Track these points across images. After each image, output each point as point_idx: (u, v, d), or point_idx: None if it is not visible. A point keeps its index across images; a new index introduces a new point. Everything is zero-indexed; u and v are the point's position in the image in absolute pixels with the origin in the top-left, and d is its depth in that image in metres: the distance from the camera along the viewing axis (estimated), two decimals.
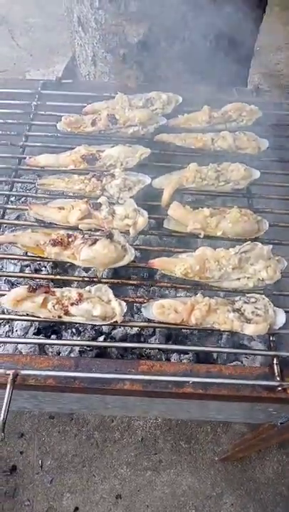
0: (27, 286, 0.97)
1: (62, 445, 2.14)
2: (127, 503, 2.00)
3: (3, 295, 1.01)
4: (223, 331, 0.96)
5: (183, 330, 1.31)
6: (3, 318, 1.24)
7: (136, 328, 1.32)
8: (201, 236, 1.08)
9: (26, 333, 1.39)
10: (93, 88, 1.43)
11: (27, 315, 1.00)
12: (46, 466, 2.09)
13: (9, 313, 1.20)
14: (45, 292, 0.97)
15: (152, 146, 1.24)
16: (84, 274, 1.44)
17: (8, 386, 0.87)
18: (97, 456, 2.12)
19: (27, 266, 1.52)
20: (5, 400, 0.86)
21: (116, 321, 0.96)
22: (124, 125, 1.25)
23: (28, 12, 3.63)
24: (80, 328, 1.35)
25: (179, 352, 1.20)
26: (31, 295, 0.97)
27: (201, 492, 2.05)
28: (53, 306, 0.95)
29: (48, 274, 1.45)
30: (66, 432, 2.17)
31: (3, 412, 0.85)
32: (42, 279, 1.15)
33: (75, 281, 1.10)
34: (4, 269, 1.51)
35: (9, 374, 0.89)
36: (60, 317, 0.96)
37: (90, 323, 0.96)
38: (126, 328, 1.30)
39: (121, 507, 2.00)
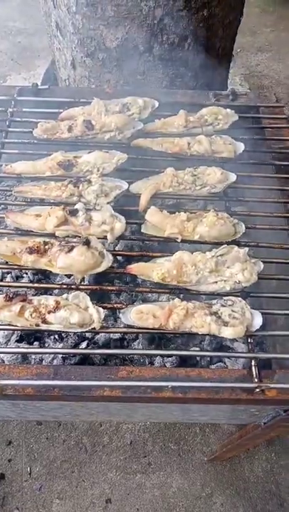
0: (3, 295, 0.97)
1: (51, 451, 2.13)
2: (117, 507, 2.00)
3: None
4: (202, 335, 0.97)
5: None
6: None
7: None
8: (179, 240, 1.08)
9: (8, 340, 1.38)
10: (70, 94, 1.42)
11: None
12: (35, 473, 2.07)
13: None
14: (22, 301, 0.97)
15: (129, 151, 1.24)
16: (66, 280, 1.43)
17: None
18: (86, 461, 2.11)
19: (8, 273, 1.51)
20: None
21: (94, 328, 0.96)
22: (101, 131, 1.25)
23: (8, 15, 3.60)
24: (63, 334, 1.35)
25: (162, 355, 1.20)
26: (8, 304, 0.96)
27: (190, 493, 2.05)
28: (30, 315, 0.95)
29: (30, 281, 1.45)
30: (54, 437, 2.16)
31: None
32: (21, 287, 1.15)
33: (54, 288, 1.10)
34: None
35: None
36: (37, 325, 0.95)
37: (68, 330, 0.96)
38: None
39: (111, 511, 1.99)
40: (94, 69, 2.00)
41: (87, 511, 1.99)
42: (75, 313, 0.94)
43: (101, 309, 0.96)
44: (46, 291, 1.35)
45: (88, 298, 0.98)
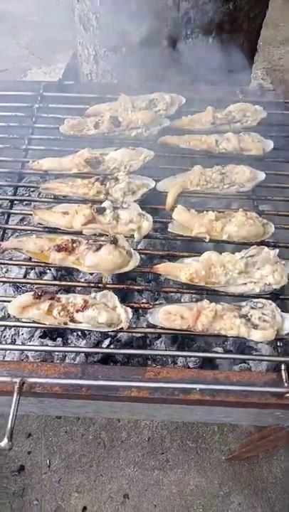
0: (32, 293, 0.97)
1: (70, 445, 2.15)
2: (134, 503, 2.01)
3: (9, 301, 1.01)
4: (230, 337, 0.95)
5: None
6: (9, 326, 1.23)
7: None
8: (207, 240, 1.06)
9: (32, 336, 1.39)
10: (95, 89, 1.41)
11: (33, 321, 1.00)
12: (54, 465, 2.10)
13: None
14: (51, 299, 0.97)
15: (155, 148, 1.23)
16: (89, 277, 1.43)
17: (15, 394, 0.87)
18: (105, 456, 2.12)
19: (32, 269, 1.51)
20: (11, 409, 0.86)
21: (121, 328, 0.95)
22: (128, 127, 1.23)
23: (28, 9, 3.60)
24: (86, 332, 1.35)
25: (190, 357, 1.19)
26: (36, 302, 0.97)
27: (208, 491, 2.05)
28: (59, 313, 0.95)
29: (54, 278, 1.45)
30: (73, 431, 2.18)
31: (10, 420, 0.85)
32: (48, 284, 1.15)
33: (81, 286, 1.09)
34: (9, 272, 1.52)
35: (16, 382, 0.88)
36: (65, 324, 0.95)
37: (96, 329, 0.96)
38: None
39: (129, 507, 2.01)
40: (116, 64, 1.98)
41: (105, 505, 2.01)
42: (103, 312, 0.93)
43: (129, 309, 0.96)
44: (69, 289, 1.35)
45: (116, 297, 0.97)
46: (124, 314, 0.95)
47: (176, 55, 1.89)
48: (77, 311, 0.95)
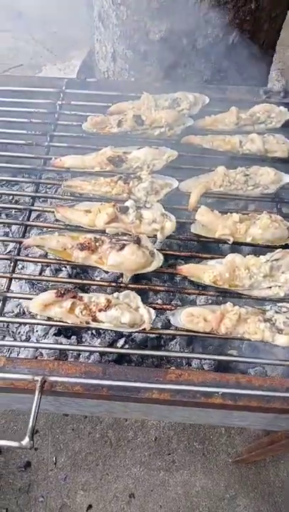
0: (55, 291, 0.96)
1: (76, 443, 2.14)
2: (140, 503, 2.01)
3: (29, 298, 1.01)
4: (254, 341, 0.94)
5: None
6: (31, 323, 1.23)
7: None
8: (230, 242, 1.05)
9: (46, 333, 1.38)
10: (117, 87, 1.40)
11: (48, 318, 1.00)
12: (60, 463, 2.10)
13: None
14: (73, 297, 0.96)
15: (179, 147, 1.21)
16: (104, 275, 1.42)
17: (37, 393, 0.86)
18: (111, 455, 2.12)
19: (47, 266, 1.51)
20: (33, 407, 0.85)
21: (144, 329, 0.94)
22: (151, 126, 1.22)
23: (44, 5, 3.58)
24: (100, 330, 1.34)
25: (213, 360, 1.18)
26: (58, 300, 0.96)
27: (214, 493, 2.04)
28: (81, 312, 0.94)
29: (69, 276, 1.44)
30: (80, 429, 2.18)
31: (31, 419, 0.84)
32: (72, 283, 1.14)
33: (103, 285, 1.08)
34: (25, 269, 1.51)
35: (37, 380, 0.88)
36: (87, 323, 0.94)
37: (118, 329, 0.95)
38: None
39: (134, 506, 2.00)
40: (135, 62, 1.97)
41: (111, 504, 2.00)
42: (126, 313, 0.93)
43: (152, 310, 0.95)
44: (84, 286, 1.34)
45: (139, 298, 0.96)
46: (147, 315, 0.94)
47: (195, 54, 1.87)
48: (99, 310, 0.94)
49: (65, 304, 0.94)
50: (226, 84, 1.85)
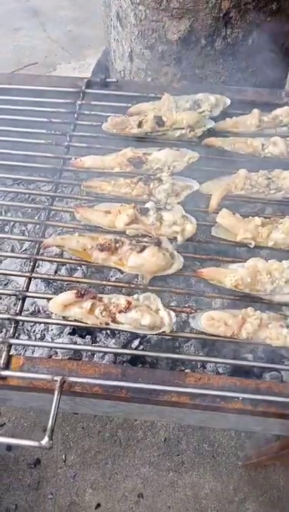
0: (75, 292, 0.96)
1: (86, 441, 2.15)
2: (148, 503, 2.01)
3: (48, 298, 1.01)
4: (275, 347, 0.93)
5: None
6: (50, 323, 1.23)
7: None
8: (252, 246, 1.04)
9: (61, 332, 1.39)
10: (138, 88, 1.40)
11: (62, 318, 1.00)
12: (69, 461, 2.10)
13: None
14: (93, 298, 0.96)
15: (199, 149, 1.21)
16: (119, 276, 1.42)
17: (56, 393, 0.86)
18: (120, 454, 2.12)
19: (63, 265, 1.51)
20: (52, 407, 0.85)
21: (164, 331, 0.94)
22: (171, 127, 1.22)
23: (59, 4, 3.60)
24: (115, 331, 1.34)
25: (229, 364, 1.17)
26: (78, 300, 0.96)
27: (223, 496, 2.03)
28: (101, 313, 0.94)
29: (84, 275, 1.44)
30: (90, 428, 2.18)
31: (51, 419, 0.84)
32: (93, 283, 1.14)
33: (125, 287, 1.08)
34: (40, 268, 1.52)
35: (57, 380, 0.88)
36: (107, 324, 0.94)
37: (138, 331, 0.95)
38: None
39: (143, 506, 2.00)
40: (152, 61, 1.96)
41: (119, 504, 2.01)
42: (146, 315, 0.92)
43: (172, 313, 0.95)
44: (99, 286, 1.34)
45: (160, 300, 0.96)
46: (167, 318, 0.93)
47: (214, 55, 1.86)
48: (119, 311, 0.94)
49: (85, 304, 0.94)
50: (243, 86, 1.83)
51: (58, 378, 0.88)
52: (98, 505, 2.01)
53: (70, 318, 1.00)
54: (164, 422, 2.19)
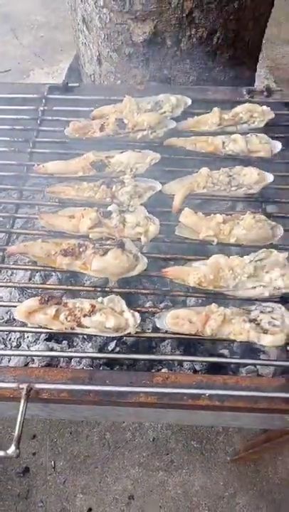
0: (39, 298, 0.96)
1: (74, 446, 2.15)
2: (140, 504, 2.01)
3: (15, 306, 1.01)
4: (240, 342, 0.94)
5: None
6: (15, 331, 1.23)
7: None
8: (214, 243, 1.05)
9: (37, 339, 1.38)
10: (100, 91, 1.40)
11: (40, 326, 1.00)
12: (59, 467, 2.10)
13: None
14: (57, 303, 0.96)
15: (162, 150, 1.22)
16: (94, 280, 1.42)
17: (22, 401, 0.86)
18: (109, 457, 2.12)
19: (36, 272, 1.51)
20: (19, 416, 0.85)
21: (129, 333, 0.94)
22: (133, 129, 1.22)
23: (31, 9, 3.58)
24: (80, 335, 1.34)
25: (197, 362, 1.18)
26: (43, 306, 0.96)
27: (213, 492, 2.04)
28: (66, 318, 0.94)
29: (58, 280, 1.44)
30: (78, 433, 2.18)
31: (17, 427, 0.84)
32: (54, 289, 1.14)
33: (88, 290, 1.09)
34: (14, 276, 1.51)
35: (23, 388, 0.88)
36: (72, 329, 0.95)
37: (103, 334, 0.95)
38: None
39: (134, 508, 2.00)
40: (120, 64, 1.97)
41: (110, 507, 2.01)
42: (110, 317, 0.93)
43: (137, 314, 0.95)
44: (74, 292, 1.34)
45: (124, 302, 0.97)
46: (131, 319, 0.94)
47: (180, 55, 1.88)
48: (84, 315, 0.94)
49: (50, 310, 0.94)
50: (212, 85, 1.85)
51: (24, 386, 0.88)
52: (89, 509, 2.01)
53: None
54: (152, 423, 2.20)
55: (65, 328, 0.94)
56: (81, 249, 1.01)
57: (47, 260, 1.03)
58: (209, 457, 2.13)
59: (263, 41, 2.24)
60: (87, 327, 0.95)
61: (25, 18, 3.55)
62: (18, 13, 3.61)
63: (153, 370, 1.16)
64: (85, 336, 1.37)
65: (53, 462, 2.10)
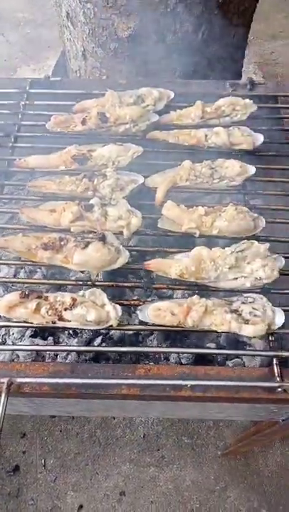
0: (19, 292, 0.96)
1: (65, 444, 2.14)
2: (131, 500, 2.01)
3: None
4: (221, 332, 0.94)
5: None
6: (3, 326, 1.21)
7: None
8: (196, 235, 1.05)
9: (23, 335, 1.37)
10: (83, 85, 1.39)
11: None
12: (49, 465, 2.09)
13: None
14: (38, 297, 0.96)
15: (144, 144, 1.21)
16: (80, 275, 1.42)
17: (3, 396, 0.86)
18: (100, 454, 2.12)
19: (21, 268, 1.50)
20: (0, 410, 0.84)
21: (111, 325, 0.94)
22: (115, 123, 1.22)
23: (17, 6, 3.55)
24: (78, 330, 1.34)
25: (181, 353, 1.18)
26: (24, 301, 0.95)
27: (204, 487, 2.05)
28: (47, 312, 0.94)
29: (43, 276, 1.43)
30: (68, 430, 2.17)
31: None
32: (35, 283, 1.13)
33: (69, 284, 1.08)
34: None
35: (3, 382, 0.87)
36: (53, 323, 0.94)
37: (84, 327, 0.95)
38: None
39: (125, 504, 2.00)
40: (105, 59, 1.96)
41: (102, 503, 2.00)
42: (91, 310, 0.92)
43: (118, 306, 0.95)
44: (60, 287, 1.34)
45: (105, 295, 0.96)
46: (113, 312, 0.94)
47: (165, 50, 1.87)
48: (65, 309, 0.93)
49: (30, 304, 0.94)
50: (198, 79, 1.85)
51: (5, 380, 0.88)
52: (81, 506, 2.00)
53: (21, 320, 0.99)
54: (142, 419, 2.20)
55: (46, 322, 0.94)
56: (62, 243, 1.00)
57: (28, 254, 1.02)
58: (200, 452, 2.14)
59: (251, 37, 2.25)
60: (68, 321, 0.94)
61: (11, 16, 3.52)
62: (4, 11, 3.58)
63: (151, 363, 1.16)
64: (71, 332, 1.36)
65: (43, 460, 2.10)
